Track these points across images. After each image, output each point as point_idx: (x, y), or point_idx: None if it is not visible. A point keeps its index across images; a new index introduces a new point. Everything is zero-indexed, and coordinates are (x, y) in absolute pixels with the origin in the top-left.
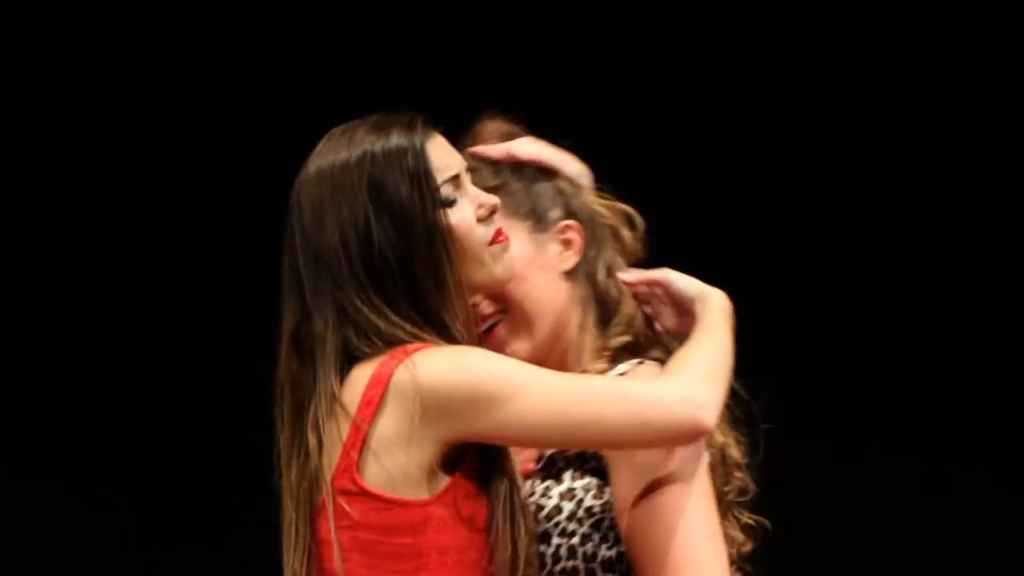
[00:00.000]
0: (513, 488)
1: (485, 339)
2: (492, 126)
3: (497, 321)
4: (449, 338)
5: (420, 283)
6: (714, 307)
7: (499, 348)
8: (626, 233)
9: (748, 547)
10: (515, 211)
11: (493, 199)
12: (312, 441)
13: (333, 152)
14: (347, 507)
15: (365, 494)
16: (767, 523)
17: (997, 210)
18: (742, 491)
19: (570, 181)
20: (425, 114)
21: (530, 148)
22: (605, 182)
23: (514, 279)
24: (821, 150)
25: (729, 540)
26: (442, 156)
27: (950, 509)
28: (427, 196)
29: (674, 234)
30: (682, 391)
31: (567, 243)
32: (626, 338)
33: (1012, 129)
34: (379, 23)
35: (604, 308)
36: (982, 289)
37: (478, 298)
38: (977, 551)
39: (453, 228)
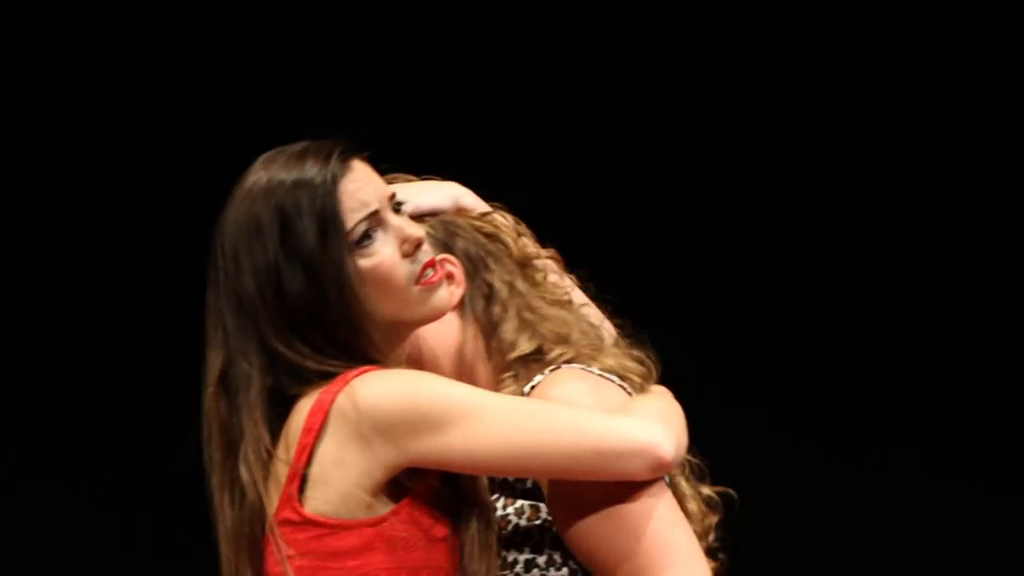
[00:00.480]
0: (480, 509)
1: None
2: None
3: None
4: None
5: (337, 328)
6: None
7: None
8: (514, 239)
9: (713, 519)
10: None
11: (417, 232)
12: (246, 477)
13: (249, 192)
14: (291, 537)
15: (308, 522)
16: (733, 493)
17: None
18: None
19: (434, 213)
20: (348, 139)
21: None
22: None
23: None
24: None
25: (695, 517)
26: (356, 193)
27: None
28: (335, 241)
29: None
30: (640, 421)
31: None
32: (524, 349)
33: None
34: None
35: (495, 330)
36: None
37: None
38: None
39: (371, 271)
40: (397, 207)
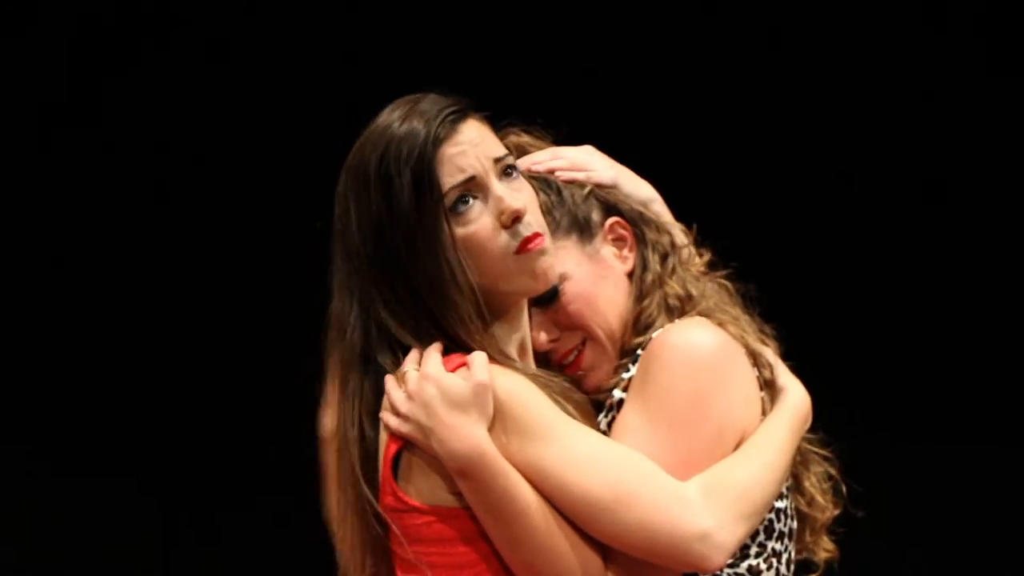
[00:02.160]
0: None
1: (568, 371)
2: (505, 141)
3: (579, 351)
4: (461, 349)
5: (428, 294)
6: (789, 409)
7: (584, 376)
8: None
9: (834, 512)
10: (556, 227)
11: (517, 203)
12: (354, 434)
13: (367, 139)
14: (400, 523)
15: (413, 510)
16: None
17: None
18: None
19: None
20: (466, 98)
21: (546, 159)
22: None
23: (584, 305)
24: None
25: (817, 506)
26: (456, 158)
27: None
28: (431, 205)
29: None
30: (710, 526)
31: (618, 241)
32: (662, 324)
33: None
34: None
35: (642, 299)
36: None
37: (555, 334)
38: None
39: (466, 239)
40: (508, 172)
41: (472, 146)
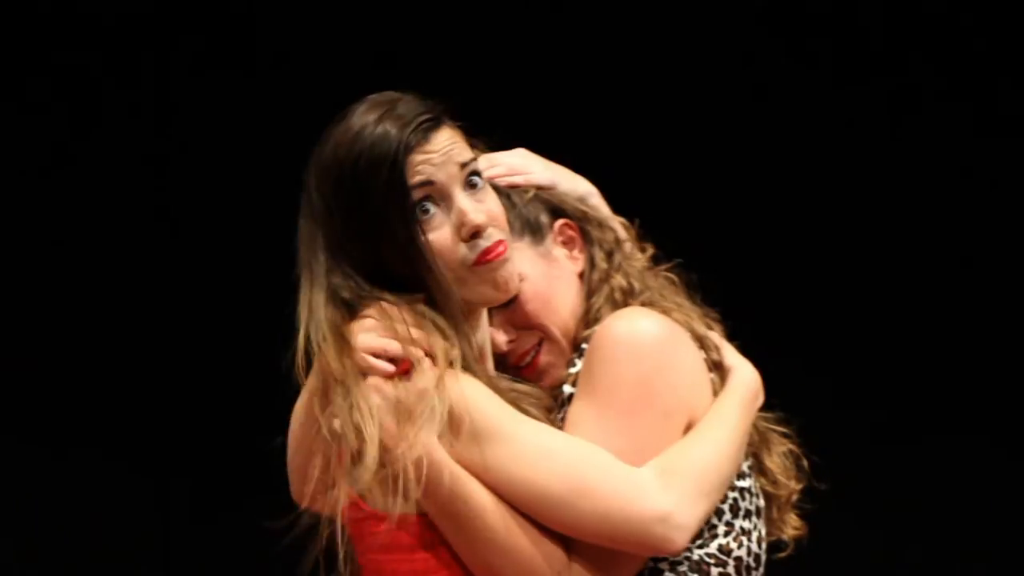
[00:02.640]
0: None
1: (525, 371)
2: None
3: (536, 352)
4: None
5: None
6: (738, 388)
7: (542, 376)
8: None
9: (797, 486)
10: (509, 230)
11: (478, 219)
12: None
13: (343, 134)
14: (358, 531)
15: (372, 517)
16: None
17: None
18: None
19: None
20: (442, 103)
21: (483, 167)
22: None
23: (540, 304)
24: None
25: (782, 485)
26: (422, 165)
27: None
28: (400, 208)
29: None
30: (669, 506)
31: (568, 243)
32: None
33: None
34: None
35: (590, 296)
36: None
37: (512, 334)
38: None
39: (431, 244)
40: (472, 183)
41: (441, 154)
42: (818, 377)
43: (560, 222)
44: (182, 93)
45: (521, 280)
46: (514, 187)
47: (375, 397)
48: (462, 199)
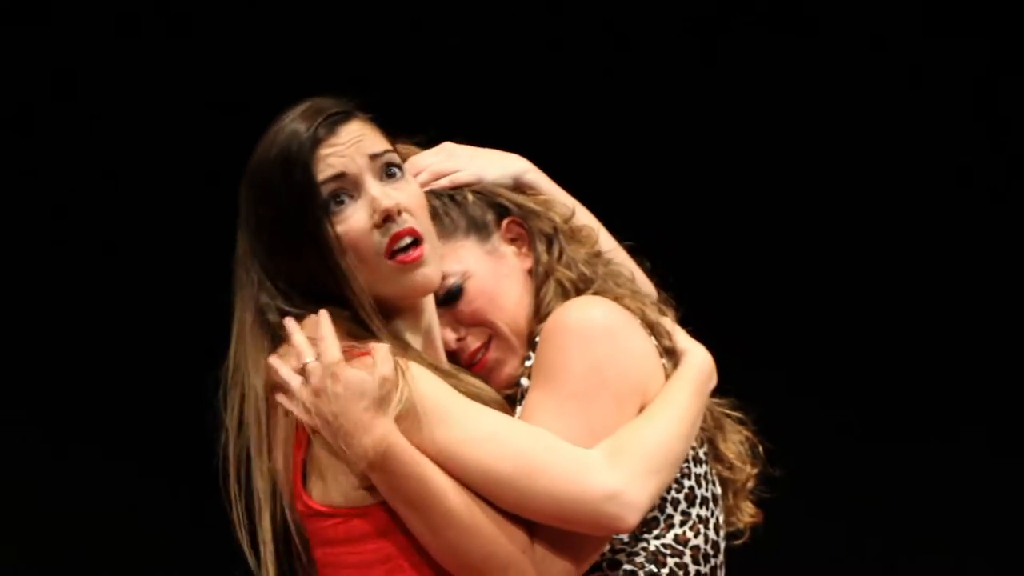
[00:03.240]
0: None
1: (475, 369)
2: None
3: (485, 350)
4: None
5: (321, 291)
6: (689, 370)
7: (492, 373)
8: (550, 207)
9: (752, 471)
10: (453, 231)
11: (388, 202)
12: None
13: (263, 139)
14: (309, 526)
15: (318, 514)
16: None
17: None
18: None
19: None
20: (351, 98)
21: (414, 172)
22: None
23: (486, 302)
24: None
25: (737, 470)
26: (330, 157)
27: None
28: (310, 203)
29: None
30: (617, 485)
31: (516, 241)
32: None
33: None
34: None
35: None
36: None
37: (461, 332)
38: None
39: (342, 237)
40: (390, 173)
41: (348, 146)
42: (772, 370)
43: (507, 220)
44: None
45: (467, 278)
46: (453, 188)
47: (334, 383)
48: (374, 187)
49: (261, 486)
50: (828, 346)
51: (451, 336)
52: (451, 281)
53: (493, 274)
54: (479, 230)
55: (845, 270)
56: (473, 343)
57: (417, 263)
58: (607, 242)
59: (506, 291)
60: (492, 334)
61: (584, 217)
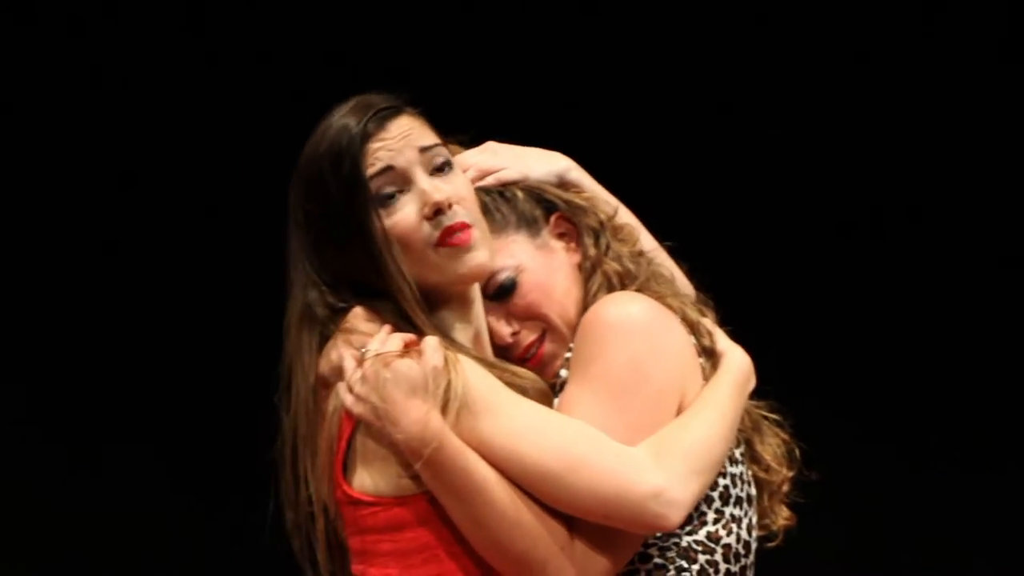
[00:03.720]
0: None
1: (531, 364)
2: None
3: (540, 344)
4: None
5: (369, 284)
6: (729, 371)
7: (547, 367)
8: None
9: (788, 473)
10: (504, 226)
11: (439, 196)
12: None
13: (314, 134)
14: (348, 514)
15: (357, 502)
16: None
17: None
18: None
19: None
20: (401, 94)
21: (469, 167)
22: None
23: (541, 295)
24: None
25: (773, 472)
26: (380, 151)
27: None
28: (359, 198)
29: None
30: (662, 483)
31: (564, 236)
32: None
33: None
34: None
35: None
36: None
37: (515, 326)
38: None
39: (391, 230)
40: (439, 167)
41: (398, 140)
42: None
43: (555, 215)
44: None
45: (521, 271)
46: (504, 185)
47: (385, 370)
48: (424, 180)
49: (311, 478)
50: (867, 366)
51: (505, 330)
52: (504, 275)
53: (545, 268)
54: (529, 225)
55: (878, 270)
56: (528, 336)
57: (467, 246)
58: (648, 242)
59: (558, 284)
60: (546, 328)
61: (625, 216)
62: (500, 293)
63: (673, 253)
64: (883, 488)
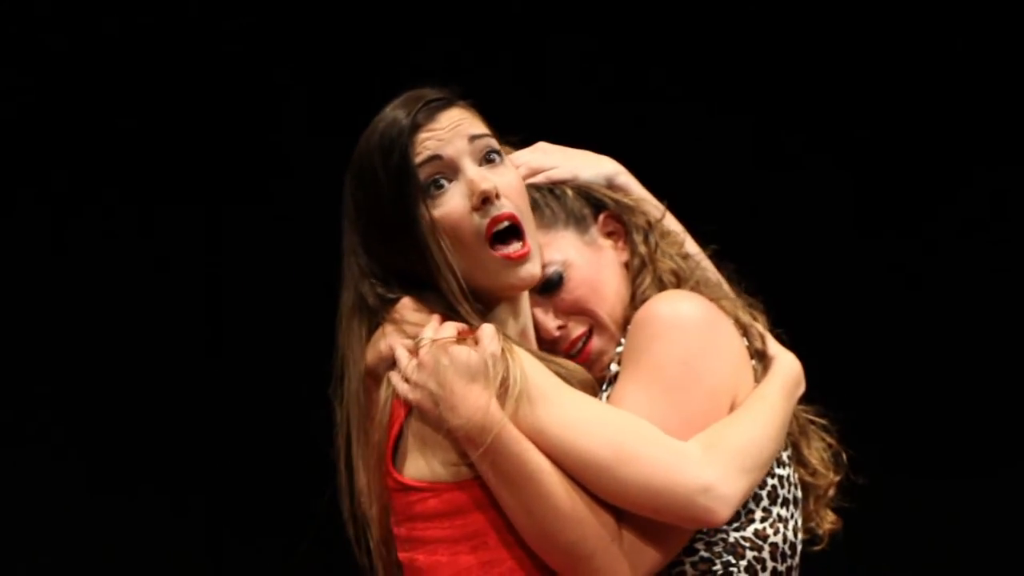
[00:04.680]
0: None
1: (577, 361)
2: None
3: (587, 340)
4: (462, 319)
5: (416, 275)
6: (780, 374)
7: (595, 363)
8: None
9: (835, 478)
10: (554, 222)
11: (487, 185)
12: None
13: (370, 126)
14: (395, 504)
15: (407, 488)
16: (846, 451)
17: None
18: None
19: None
20: (452, 87)
21: (520, 165)
22: None
23: (589, 291)
24: None
25: (820, 476)
26: (428, 140)
27: None
28: (407, 188)
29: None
30: (712, 479)
31: (612, 234)
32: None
33: None
34: None
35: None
36: None
37: (562, 319)
38: None
39: (440, 220)
40: (489, 158)
41: (448, 130)
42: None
43: (603, 214)
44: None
45: (569, 267)
46: (559, 183)
47: (443, 356)
48: (471, 169)
49: (362, 469)
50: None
51: (552, 324)
52: (551, 269)
53: (593, 264)
54: (578, 222)
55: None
56: (574, 331)
57: (523, 260)
58: (692, 248)
59: (607, 281)
60: (593, 324)
61: (672, 223)
62: (547, 287)
63: (717, 257)
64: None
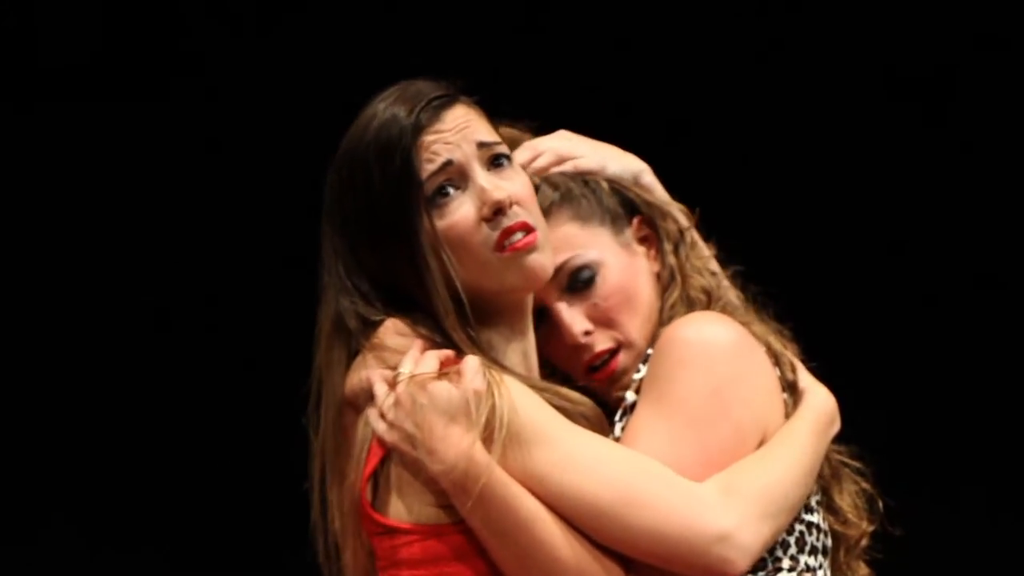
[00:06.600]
0: None
1: (598, 375)
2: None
3: (612, 355)
4: (454, 344)
5: (409, 290)
6: (812, 409)
7: (615, 384)
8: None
9: (868, 528)
10: (590, 216)
11: (499, 195)
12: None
13: (357, 123)
14: (377, 545)
15: (390, 531)
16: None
17: None
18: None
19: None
20: (455, 82)
21: (528, 156)
22: None
23: (623, 300)
24: None
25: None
26: (434, 144)
27: None
28: (409, 194)
29: None
30: (730, 526)
31: (646, 240)
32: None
33: None
34: None
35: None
36: None
37: (590, 326)
38: None
39: (445, 232)
40: (498, 162)
41: (455, 132)
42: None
43: (637, 218)
44: None
45: (601, 266)
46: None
47: (420, 394)
48: (483, 177)
49: (336, 503)
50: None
51: (577, 328)
52: (582, 262)
53: (628, 270)
54: (614, 221)
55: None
56: (601, 343)
57: (529, 248)
58: (714, 266)
59: (641, 291)
60: (622, 341)
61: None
62: (575, 283)
63: (743, 277)
64: None
